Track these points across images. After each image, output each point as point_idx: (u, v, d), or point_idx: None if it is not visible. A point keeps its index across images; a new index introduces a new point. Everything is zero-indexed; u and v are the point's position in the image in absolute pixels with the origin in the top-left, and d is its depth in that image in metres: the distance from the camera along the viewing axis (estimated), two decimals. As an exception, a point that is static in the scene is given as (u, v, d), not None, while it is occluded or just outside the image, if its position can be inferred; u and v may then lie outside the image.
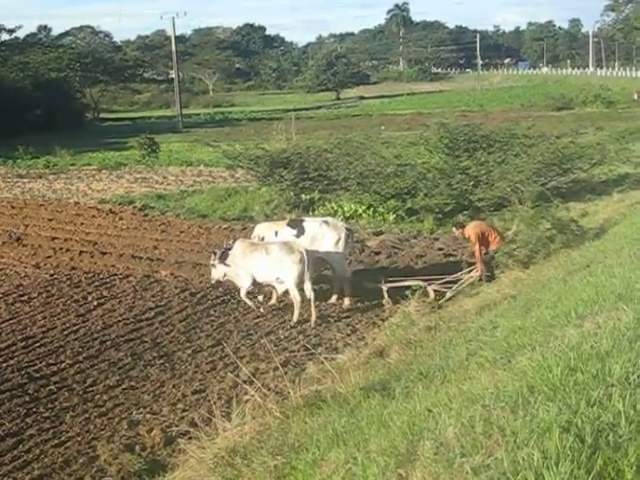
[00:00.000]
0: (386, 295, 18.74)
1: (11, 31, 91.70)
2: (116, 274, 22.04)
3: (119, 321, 17.87)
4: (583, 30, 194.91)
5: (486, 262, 18.79)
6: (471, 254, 19.87)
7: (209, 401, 12.53)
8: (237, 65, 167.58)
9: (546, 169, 27.67)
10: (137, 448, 11.59)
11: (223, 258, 18.51)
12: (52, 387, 14.13)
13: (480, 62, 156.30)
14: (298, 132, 45.50)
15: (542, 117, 61.58)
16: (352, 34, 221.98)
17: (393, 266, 22.05)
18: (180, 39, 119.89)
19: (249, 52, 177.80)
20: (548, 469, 4.76)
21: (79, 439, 12.10)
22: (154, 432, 12.00)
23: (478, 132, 31.98)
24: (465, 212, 27.08)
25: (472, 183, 28.11)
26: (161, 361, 15.31)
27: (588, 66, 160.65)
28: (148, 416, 12.72)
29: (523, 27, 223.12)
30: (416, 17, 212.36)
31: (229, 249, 18.62)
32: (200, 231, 27.06)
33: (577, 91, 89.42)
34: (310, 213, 28.40)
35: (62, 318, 18.16)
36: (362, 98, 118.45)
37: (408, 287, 18.49)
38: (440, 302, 18.06)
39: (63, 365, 15.18)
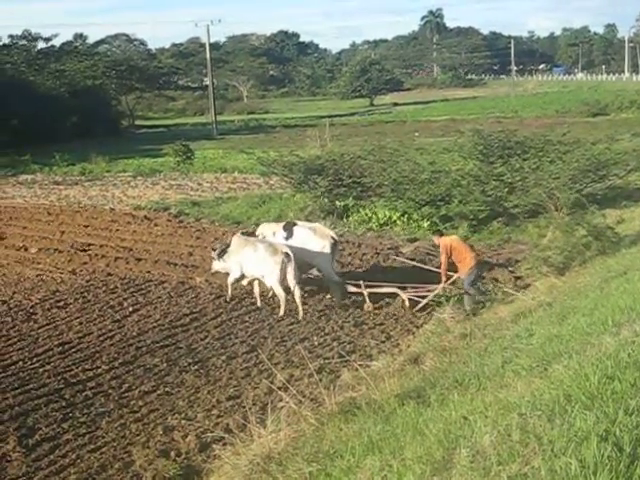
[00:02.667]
0: (367, 299, 19.26)
1: (47, 39, 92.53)
2: (151, 280, 22.17)
3: (154, 327, 17.96)
4: (619, 35, 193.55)
5: (468, 288, 18.34)
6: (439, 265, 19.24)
7: (244, 407, 12.55)
8: (271, 72, 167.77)
9: (582, 175, 27.46)
10: (172, 454, 11.61)
11: (222, 254, 20.19)
12: (88, 392, 14.21)
13: (514, 68, 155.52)
14: (332, 139, 45.55)
15: (577, 123, 61.16)
16: (386, 40, 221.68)
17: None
18: (214, 46, 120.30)
19: (283, 59, 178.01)
20: (586, 478, 4.73)
21: (115, 444, 12.15)
22: (189, 438, 12.03)
23: (513, 138, 31.85)
24: (500, 219, 26.98)
25: (507, 190, 27.98)
26: (196, 367, 15.35)
27: (624, 72, 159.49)
28: (183, 422, 12.73)
29: (558, 33, 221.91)
30: (450, 23, 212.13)
31: (228, 245, 20.30)
32: (234, 238, 27.13)
33: (613, 97, 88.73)
34: (344, 220, 28.45)
35: (98, 324, 18.29)
36: (396, 104, 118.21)
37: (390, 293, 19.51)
38: (414, 310, 18.62)
39: (99, 371, 15.26)
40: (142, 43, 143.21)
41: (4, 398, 13.89)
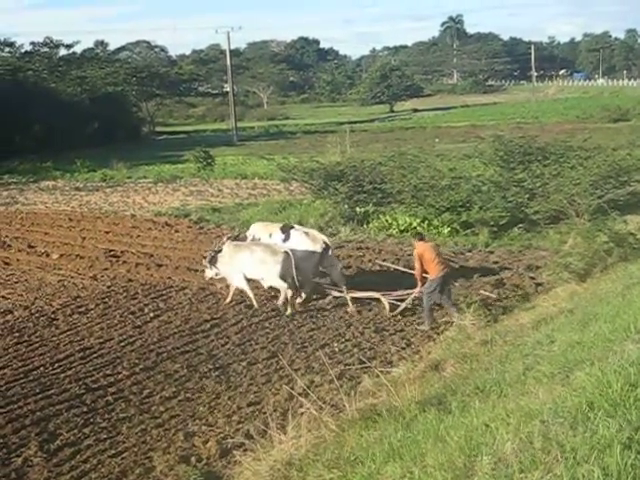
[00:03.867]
0: (350, 303, 19.59)
1: (69, 46, 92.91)
2: (172, 286, 22.21)
3: (175, 333, 17.99)
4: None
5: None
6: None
7: (264, 413, 12.57)
8: (291, 78, 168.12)
9: (603, 182, 27.34)
10: (193, 459, 11.64)
11: (213, 260, 20.63)
12: (109, 398, 14.25)
13: (535, 74, 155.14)
14: (352, 145, 45.60)
15: (598, 129, 60.96)
16: (406, 47, 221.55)
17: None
18: (235, 53, 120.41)
19: (303, 65, 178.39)
20: (609, 486, 4.71)
21: (136, 450, 12.18)
22: (210, 444, 12.05)
23: (533, 144, 31.80)
24: (520, 225, 26.92)
25: (527, 196, 27.93)
26: (216, 373, 15.37)
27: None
28: (204, 428, 12.76)
29: (578, 38, 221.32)
30: (470, 29, 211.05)
31: (219, 252, 20.61)
32: (255, 244, 27.18)
33: (634, 102, 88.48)
34: (364, 226, 28.43)
35: (119, 329, 18.34)
36: (416, 111, 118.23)
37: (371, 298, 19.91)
38: (394, 314, 18.92)
39: (120, 376, 15.30)
40: (163, 50, 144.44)
41: (26, 403, 13.96)
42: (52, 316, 19.55)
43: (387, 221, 28.57)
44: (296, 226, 22.09)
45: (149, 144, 79.58)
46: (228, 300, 20.38)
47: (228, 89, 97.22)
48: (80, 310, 20.04)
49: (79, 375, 15.39)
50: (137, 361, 16.12)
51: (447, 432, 7.21)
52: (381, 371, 12.72)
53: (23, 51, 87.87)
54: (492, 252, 25.04)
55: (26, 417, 13.39)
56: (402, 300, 19.39)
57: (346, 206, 29.99)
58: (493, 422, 6.84)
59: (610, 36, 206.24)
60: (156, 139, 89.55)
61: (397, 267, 22.17)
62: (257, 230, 21.77)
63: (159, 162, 57.47)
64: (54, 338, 17.79)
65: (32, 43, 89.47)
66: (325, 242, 20.58)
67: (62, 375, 15.40)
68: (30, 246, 28.52)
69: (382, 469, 7.00)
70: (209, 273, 21.05)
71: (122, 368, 15.71)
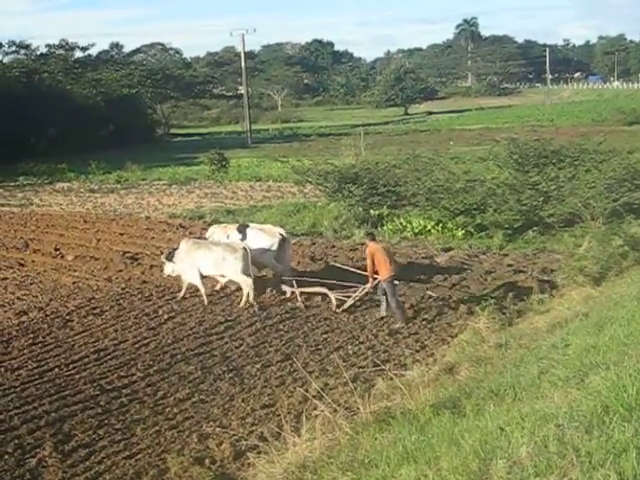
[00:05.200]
0: (299, 298, 20.47)
1: (84, 49, 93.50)
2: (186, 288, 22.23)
3: (189, 335, 18.02)
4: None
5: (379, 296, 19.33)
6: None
7: (278, 415, 12.56)
8: (305, 81, 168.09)
9: (618, 185, 27.27)
10: (207, 461, 11.65)
11: (170, 257, 21.56)
12: (123, 399, 14.29)
13: (550, 76, 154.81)
14: (367, 147, 45.56)
15: (613, 132, 60.67)
16: (420, 49, 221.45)
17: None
18: (249, 55, 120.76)
19: (317, 68, 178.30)
20: (625, 491, 4.69)
21: (150, 451, 12.21)
22: (224, 445, 12.06)
23: (548, 147, 31.74)
24: (535, 228, 26.86)
25: (542, 199, 27.86)
26: (230, 375, 15.39)
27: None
28: (218, 429, 12.76)
29: (593, 41, 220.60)
30: (485, 32, 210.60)
31: (176, 249, 21.63)
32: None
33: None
34: (379, 228, 28.41)
35: (133, 331, 18.38)
36: (430, 113, 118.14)
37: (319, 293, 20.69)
38: (340, 310, 19.52)
39: (134, 378, 15.34)
40: (177, 52, 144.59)
41: (41, 404, 14.01)
42: (67, 317, 19.61)
43: (401, 224, 28.56)
44: (251, 224, 23.26)
45: (164, 146, 79.77)
46: (181, 295, 21.21)
47: (242, 91, 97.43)
48: (95, 312, 20.10)
49: (94, 376, 15.44)
50: (151, 363, 16.17)
51: (462, 435, 7.19)
52: (395, 374, 12.72)
53: (39, 53, 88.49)
54: (506, 255, 24.99)
55: (41, 418, 13.43)
56: (349, 296, 19.97)
57: (360, 209, 30.00)
58: (508, 426, 6.82)
59: (625, 39, 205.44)
60: (170, 141, 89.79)
61: (348, 267, 22.42)
62: (215, 232, 22.91)
63: (174, 164, 57.64)
64: (69, 339, 17.85)
65: (48, 45, 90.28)
66: (282, 235, 21.86)
67: (77, 376, 15.46)
68: (45, 248, 28.62)
69: (396, 472, 6.99)
70: (167, 269, 21.89)
71: (136, 370, 15.76)
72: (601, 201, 26.10)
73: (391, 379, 12.30)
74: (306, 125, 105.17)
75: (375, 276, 19.08)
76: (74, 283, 23.38)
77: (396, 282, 19.31)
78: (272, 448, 9.97)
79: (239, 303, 20.43)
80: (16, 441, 12.63)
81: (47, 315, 19.92)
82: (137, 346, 17.28)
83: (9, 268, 25.96)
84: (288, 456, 9.40)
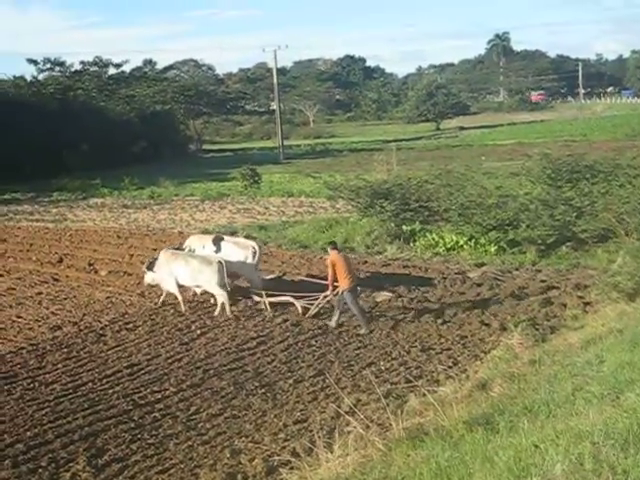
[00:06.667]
0: (268, 306, 21.32)
1: (118, 65, 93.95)
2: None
3: (222, 350, 18.07)
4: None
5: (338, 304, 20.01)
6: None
7: (311, 431, 12.57)
8: (337, 96, 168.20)
9: (652, 200, 27.02)
10: (239, 477, 11.67)
11: (151, 266, 22.60)
12: (156, 414, 14.35)
13: (582, 91, 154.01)
14: (399, 163, 45.45)
15: (647, 147, 60.22)
16: (452, 64, 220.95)
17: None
18: (281, 71, 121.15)
19: (349, 83, 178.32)
20: (661, 509, 4.65)
21: (182, 466, 12.24)
22: (256, 461, 12.06)
23: (581, 162, 31.56)
24: (568, 244, 26.68)
25: (575, 214, 27.64)
26: (263, 390, 15.40)
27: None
28: (250, 445, 12.78)
29: (626, 55, 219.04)
30: (516, 46, 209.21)
31: (156, 259, 22.61)
32: (302, 261, 27.24)
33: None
34: (411, 244, 28.37)
35: (166, 346, 18.47)
36: (462, 128, 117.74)
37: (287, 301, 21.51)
38: (307, 316, 20.61)
39: (167, 393, 15.41)
40: (210, 68, 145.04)
41: (74, 418, 14.11)
42: (100, 332, 19.76)
43: (434, 239, 28.46)
44: (226, 237, 24.35)
45: (196, 162, 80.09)
46: (161, 301, 22.28)
47: (275, 107, 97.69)
48: (128, 327, 20.22)
49: (127, 391, 15.53)
50: (184, 378, 16.23)
51: (495, 452, 7.16)
52: (428, 390, 12.67)
53: (73, 70, 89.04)
54: (540, 271, 24.84)
55: (75, 432, 13.53)
56: (312, 304, 20.89)
57: (392, 224, 29.93)
58: (542, 443, 6.78)
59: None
60: (203, 157, 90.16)
61: (311, 279, 23.19)
62: (192, 242, 23.87)
63: (206, 180, 57.86)
64: (102, 354, 17.98)
65: (82, 62, 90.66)
66: (254, 247, 22.84)
67: (110, 391, 15.55)
68: (79, 263, 28.83)
69: (430, 489, 6.96)
70: (147, 278, 22.95)
71: (169, 385, 15.82)
72: (635, 216, 25.88)
73: (424, 395, 12.28)
74: (338, 141, 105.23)
75: (335, 284, 19.85)
76: (107, 298, 23.54)
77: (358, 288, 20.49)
78: (304, 464, 9.97)
79: (272, 320, 20.48)
80: (50, 455, 12.73)
81: (81, 330, 20.08)
82: (170, 361, 17.36)
83: (44, 283, 26.20)
84: (320, 472, 9.40)
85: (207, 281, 21.45)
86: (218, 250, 22.82)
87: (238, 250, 22.73)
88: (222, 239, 23.63)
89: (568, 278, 23.59)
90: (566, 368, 11.81)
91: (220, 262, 21.34)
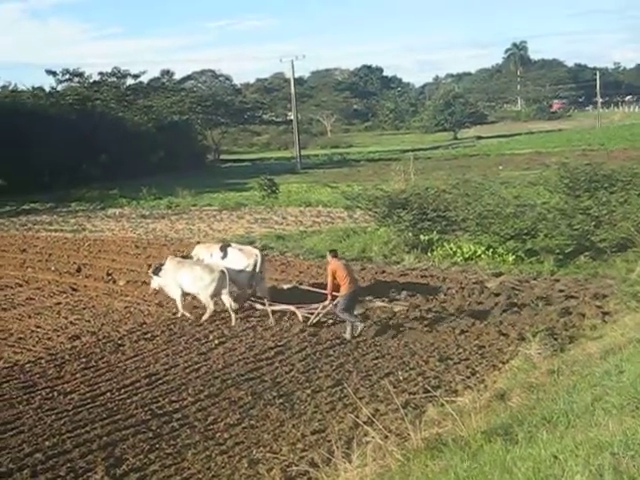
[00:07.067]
0: (271, 316, 21.29)
1: (136, 76, 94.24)
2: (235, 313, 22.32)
3: (239, 360, 18.08)
4: None
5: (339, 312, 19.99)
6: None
7: (329, 441, 12.55)
8: (355, 106, 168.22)
9: (671, 209, 26.94)
10: (257, 487, 11.66)
11: (157, 271, 22.81)
12: (174, 424, 14.36)
13: (600, 100, 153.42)
14: (416, 173, 45.48)
15: (666, 155, 59.99)
16: (469, 74, 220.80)
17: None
18: (299, 81, 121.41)
19: (367, 93, 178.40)
20: (682, 521, 4.62)
21: (200, 476, 12.25)
22: (274, 471, 12.06)
23: (599, 171, 31.48)
24: (587, 253, 26.58)
25: (594, 223, 27.56)
26: (281, 400, 15.40)
27: None
28: (268, 455, 12.77)
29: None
30: (534, 56, 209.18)
31: (162, 264, 22.83)
32: (319, 271, 27.22)
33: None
34: (429, 254, 28.35)
35: (184, 356, 18.49)
36: (479, 138, 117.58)
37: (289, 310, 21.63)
38: (308, 324, 20.61)
39: (185, 402, 15.42)
40: (227, 79, 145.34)
41: (93, 428, 14.14)
42: (119, 342, 19.81)
43: (451, 249, 28.43)
44: (233, 244, 24.50)
45: (214, 172, 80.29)
46: (179, 311, 22.29)
47: (292, 117, 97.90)
48: (146, 336, 20.27)
49: (145, 401, 15.55)
50: (202, 388, 16.24)
51: (514, 463, 7.13)
52: (446, 400, 12.64)
53: (92, 81, 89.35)
54: (558, 280, 24.75)
55: (93, 442, 13.56)
56: (312, 313, 20.93)
57: (410, 234, 29.90)
58: (562, 453, 6.75)
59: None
60: (221, 167, 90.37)
61: (309, 288, 23.37)
62: (200, 251, 23.95)
63: (224, 190, 58.02)
64: (120, 364, 18.02)
65: (100, 73, 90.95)
66: (256, 255, 22.84)
67: (128, 400, 15.58)
68: (97, 273, 28.94)
69: (448, 500, 6.94)
70: (153, 283, 23.16)
71: (187, 394, 15.84)
72: (654, 225, 25.80)
73: (442, 405, 12.24)
74: (355, 150, 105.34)
75: (334, 293, 19.97)
76: (126, 308, 23.60)
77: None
78: (323, 474, 9.97)
79: (289, 329, 20.50)
80: (68, 465, 12.76)
81: (99, 339, 20.14)
82: (188, 371, 17.38)
83: (62, 293, 26.31)
84: (339, 482, 9.38)
85: (203, 288, 21.70)
86: (225, 257, 23.02)
87: (243, 257, 22.88)
88: (229, 246, 23.89)
89: (587, 288, 23.50)
90: (585, 378, 11.76)
91: (222, 271, 21.60)
